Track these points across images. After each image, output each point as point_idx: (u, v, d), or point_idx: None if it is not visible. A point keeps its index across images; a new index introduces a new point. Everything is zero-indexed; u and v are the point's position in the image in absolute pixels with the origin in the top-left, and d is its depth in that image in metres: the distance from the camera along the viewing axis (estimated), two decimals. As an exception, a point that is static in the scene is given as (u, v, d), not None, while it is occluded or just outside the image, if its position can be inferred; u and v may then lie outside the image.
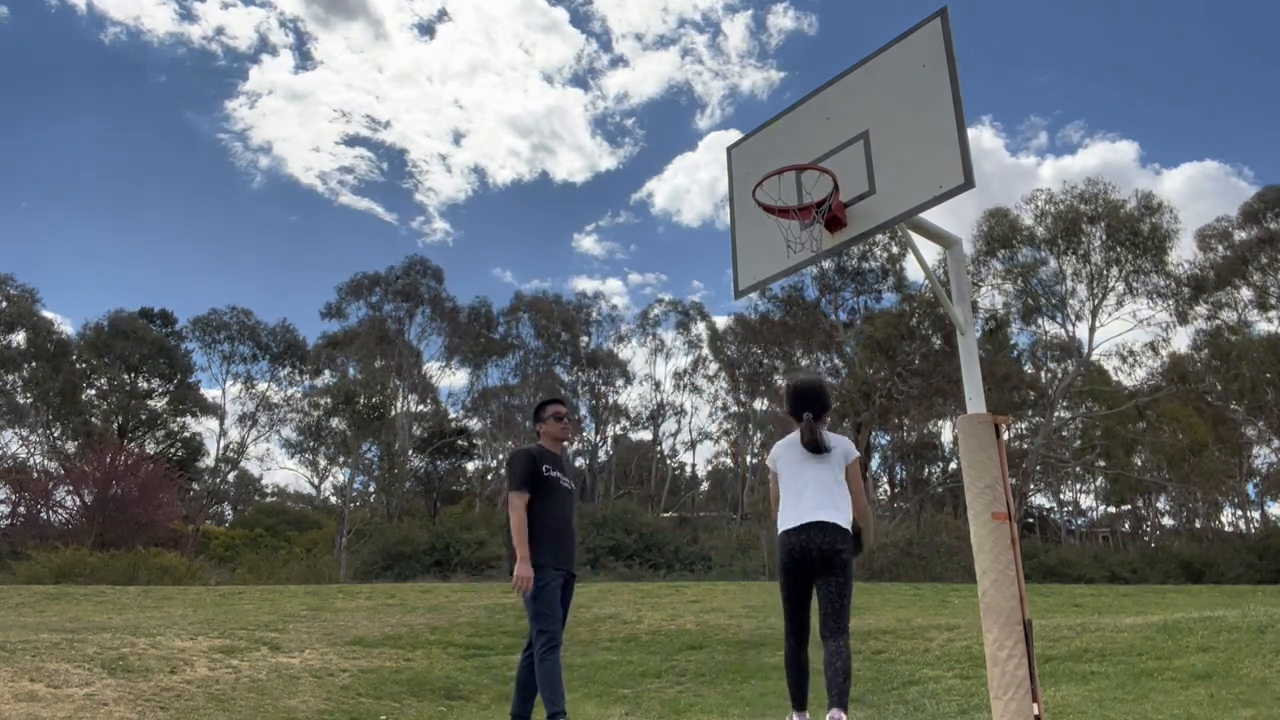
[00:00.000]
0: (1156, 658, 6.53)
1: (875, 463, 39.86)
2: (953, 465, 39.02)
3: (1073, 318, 32.72)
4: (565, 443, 4.71)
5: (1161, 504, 45.75)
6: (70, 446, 35.16)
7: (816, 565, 3.82)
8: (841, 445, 4.06)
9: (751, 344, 37.78)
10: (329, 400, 37.45)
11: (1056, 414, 34.31)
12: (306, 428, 38.84)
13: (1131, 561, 27.83)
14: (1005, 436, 3.53)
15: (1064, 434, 38.90)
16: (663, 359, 45.44)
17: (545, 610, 4.19)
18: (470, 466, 45.55)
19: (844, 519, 3.88)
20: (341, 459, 38.98)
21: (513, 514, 4.25)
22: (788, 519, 3.95)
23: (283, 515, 42.90)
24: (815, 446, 3.97)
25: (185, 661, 6.15)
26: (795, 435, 4.10)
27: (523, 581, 4.12)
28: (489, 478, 45.83)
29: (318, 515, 42.07)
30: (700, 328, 44.49)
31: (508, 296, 57.74)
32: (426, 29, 71.67)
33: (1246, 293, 33.60)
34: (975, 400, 3.62)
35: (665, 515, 39.28)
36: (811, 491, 3.91)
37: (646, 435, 47.81)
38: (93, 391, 37.98)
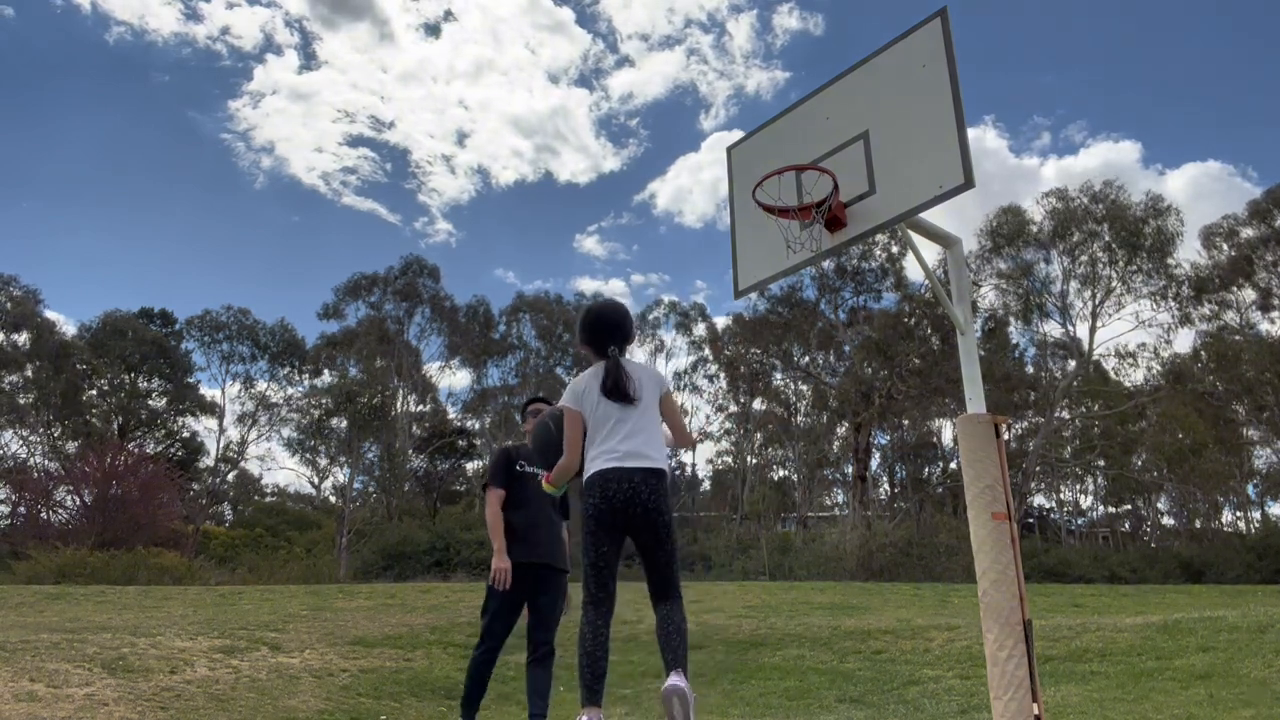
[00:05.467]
0: (1156, 658, 6.53)
1: (875, 463, 39.87)
2: (953, 465, 39.03)
3: (1073, 318, 32.76)
4: None
5: (1161, 504, 45.73)
6: (70, 446, 35.18)
7: (639, 523, 3.20)
8: (652, 380, 3.41)
9: (751, 344, 37.77)
10: (329, 400, 37.48)
11: (1056, 414, 34.30)
12: (306, 428, 38.86)
13: (1131, 561, 27.80)
14: (1005, 436, 3.52)
15: (1064, 434, 38.89)
16: (664, 359, 45.41)
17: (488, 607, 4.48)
18: (470, 466, 45.53)
19: (665, 464, 3.33)
20: (342, 459, 39.01)
21: (487, 510, 4.46)
22: (604, 458, 3.24)
23: (283, 515, 42.88)
24: (621, 395, 3.26)
25: (185, 661, 6.14)
26: (598, 371, 3.37)
27: (499, 574, 4.33)
28: (489, 478, 45.73)
29: (318, 515, 42.03)
30: (700, 329, 44.50)
31: (510, 297, 57.59)
32: (432, 29, 71.50)
33: (1250, 293, 33.53)
34: (975, 400, 3.62)
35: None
36: (629, 430, 3.26)
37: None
38: (93, 391, 38.02)
